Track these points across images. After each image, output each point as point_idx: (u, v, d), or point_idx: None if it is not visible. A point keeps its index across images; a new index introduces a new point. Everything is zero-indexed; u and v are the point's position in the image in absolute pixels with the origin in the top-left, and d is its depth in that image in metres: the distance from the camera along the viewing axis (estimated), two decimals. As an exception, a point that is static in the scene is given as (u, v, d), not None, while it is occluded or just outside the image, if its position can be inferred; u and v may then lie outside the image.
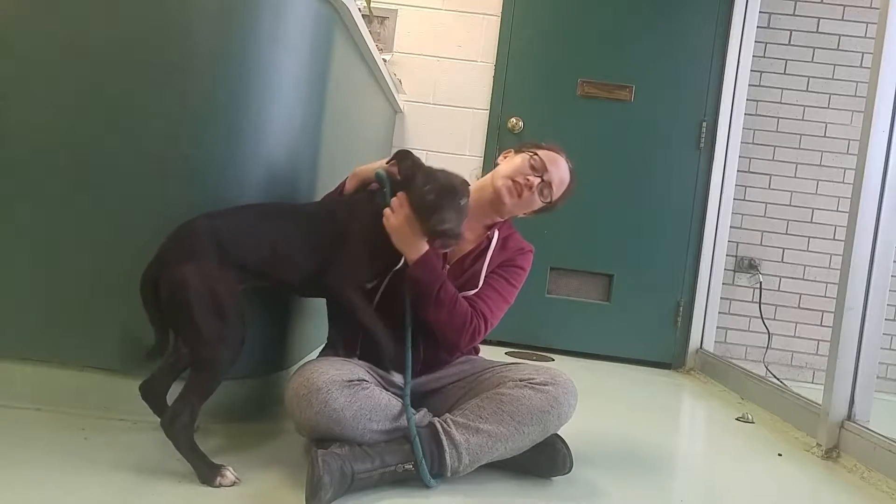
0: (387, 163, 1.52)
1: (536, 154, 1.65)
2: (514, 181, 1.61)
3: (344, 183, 1.61)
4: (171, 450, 1.36)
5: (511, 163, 1.66)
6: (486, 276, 1.58)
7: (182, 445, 1.24)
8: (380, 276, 1.51)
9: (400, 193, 1.46)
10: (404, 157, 1.48)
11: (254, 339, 1.64)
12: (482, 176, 1.74)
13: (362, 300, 1.44)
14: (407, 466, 1.28)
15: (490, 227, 1.66)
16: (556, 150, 1.70)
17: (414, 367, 1.49)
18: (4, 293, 1.54)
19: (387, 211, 1.44)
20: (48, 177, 1.54)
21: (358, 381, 1.33)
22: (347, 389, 1.30)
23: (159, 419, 1.45)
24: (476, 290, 1.55)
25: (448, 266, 1.60)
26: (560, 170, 1.66)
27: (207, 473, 1.23)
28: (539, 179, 1.62)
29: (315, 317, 2.01)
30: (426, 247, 1.45)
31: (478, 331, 1.51)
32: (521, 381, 1.42)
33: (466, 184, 1.48)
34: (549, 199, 1.65)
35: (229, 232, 1.35)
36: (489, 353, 1.73)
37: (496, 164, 1.72)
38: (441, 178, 1.43)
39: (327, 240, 1.43)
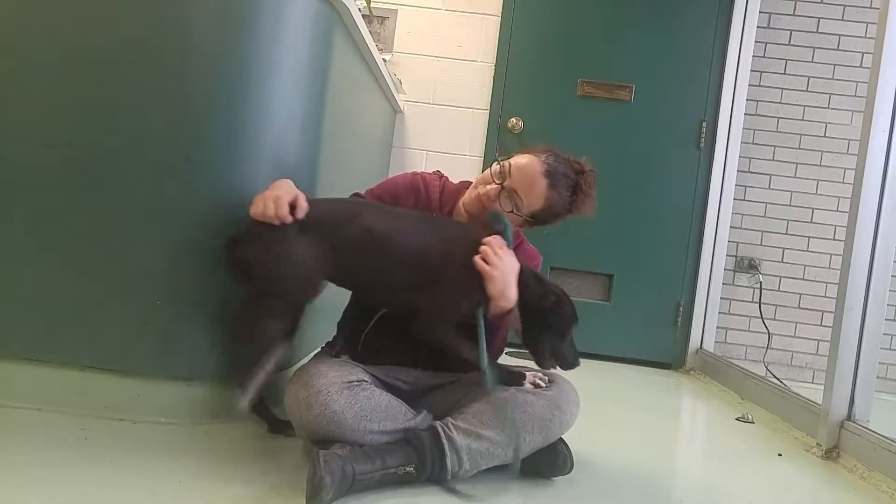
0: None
1: (505, 160, 1.54)
2: (476, 193, 1.55)
3: None
4: (172, 450, 1.36)
5: (482, 173, 1.59)
6: None
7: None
8: (471, 315, 1.42)
9: (495, 238, 1.42)
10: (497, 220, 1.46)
11: (254, 339, 1.64)
12: None
13: (454, 338, 1.38)
14: (408, 469, 1.27)
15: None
16: (535, 150, 1.55)
17: (415, 366, 1.51)
18: (4, 293, 1.54)
19: (486, 251, 1.37)
20: (48, 177, 1.54)
21: (357, 381, 1.33)
22: (347, 391, 1.30)
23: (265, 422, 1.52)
24: None
25: None
26: (526, 170, 1.51)
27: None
28: (499, 188, 1.51)
29: (314, 318, 2.00)
30: (515, 296, 1.40)
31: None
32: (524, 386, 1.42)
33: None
34: (520, 209, 1.51)
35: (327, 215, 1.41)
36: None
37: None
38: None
39: (426, 262, 1.40)
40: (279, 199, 1.35)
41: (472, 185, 1.60)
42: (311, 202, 1.40)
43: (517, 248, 1.59)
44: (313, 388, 1.29)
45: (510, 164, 1.53)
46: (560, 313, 1.44)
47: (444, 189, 1.65)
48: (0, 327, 1.53)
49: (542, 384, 1.44)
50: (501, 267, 1.38)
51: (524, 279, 1.42)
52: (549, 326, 1.44)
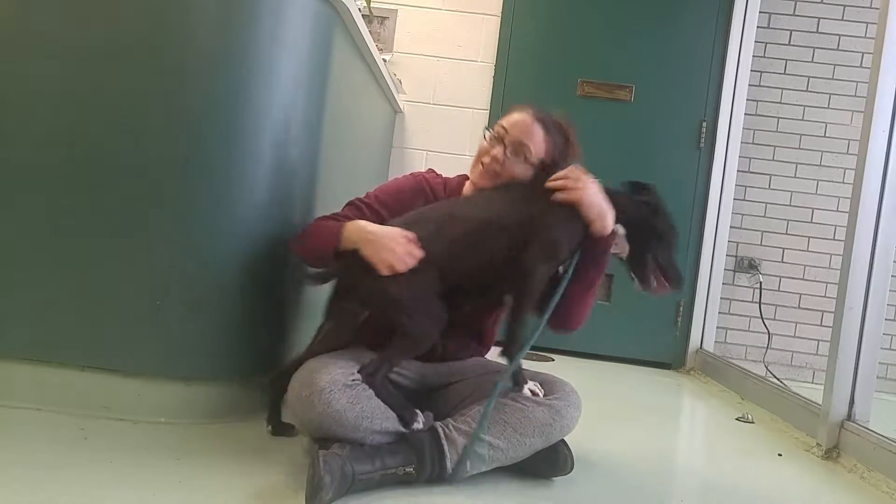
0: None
1: (495, 127, 1.57)
2: (482, 165, 1.56)
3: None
4: (172, 450, 1.36)
5: (478, 148, 1.61)
6: None
7: (381, 394, 1.32)
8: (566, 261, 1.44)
9: (572, 167, 1.44)
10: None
11: (253, 339, 1.65)
12: None
13: (536, 289, 1.39)
14: (408, 469, 1.28)
15: None
16: (517, 107, 1.59)
17: (434, 357, 1.52)
18: (5, 293, 1.54)
19: (564, 182, 1.39)
20: (48, 177, 1.54)
21: (360, 380, 1.33)
22: (349, 391, 1.29)
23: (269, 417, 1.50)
24: None
25: None
26: (520, 122, 1.54)
27: (405, 418, 1.32)
28: (502, 146, 1.53)
29: (314, 317, 2.00)
30: (612, 214, 1.42)
31: None
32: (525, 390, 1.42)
33: None
34: (530, 159, 1.52)
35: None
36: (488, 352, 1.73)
37: None
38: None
39: (518, 224, 1.41)
40: (409, 249, 1.35)
41: (473, 163, 1.60)
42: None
43: None
44: (316, 387, 1.29)
45: (502, 125, 1.55)
46: (663, 214, 1.44)
47: (447, 185, 1.66)
48: (0, 327, 1.53)
49: (540, 394, 1.43)
50: (588, 189, 1.38)
51: (611, 193, 1.42)
52: (654, 237, 1.44)
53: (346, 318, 1.46)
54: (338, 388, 1.29)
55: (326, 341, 1.46)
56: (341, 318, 1.46)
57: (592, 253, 1.45)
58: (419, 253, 1.35)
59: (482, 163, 1.56)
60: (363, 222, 1.44)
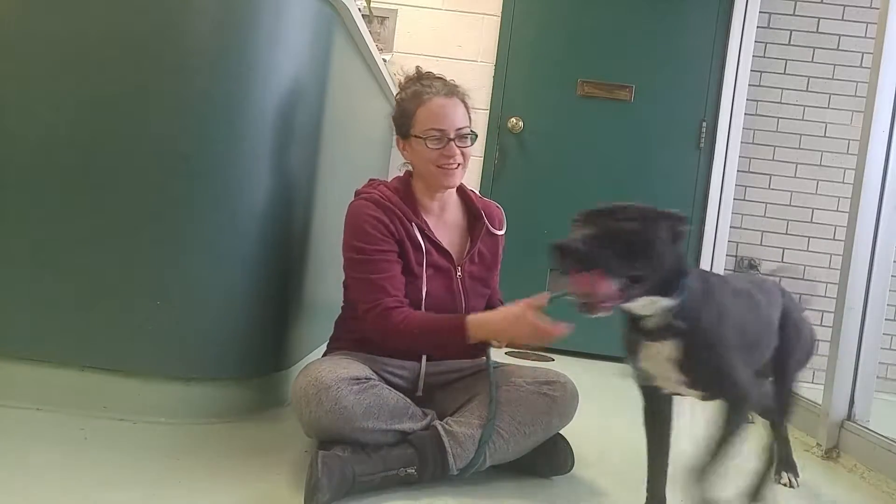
0: None
1: (431, 130, 1.50)
2: (440, 168, 1.51)
3: None
4: (172, 450, 1.36)
5: (420, 154, 1.52)
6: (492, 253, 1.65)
7: None
8: None
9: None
10: None
11: (253, 339, 1.65)
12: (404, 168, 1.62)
13: None
14: (409, 471, 1.28)
15: (464, 198, 1.67)
16: (428, 94, 1.58)
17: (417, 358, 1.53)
18: (4, 293, 1.53)
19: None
20: (48, 177, 1.54)
21: (365, 378, 1.34)
22: (357, 386, 1.30)
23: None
24: (494, 273, 1.66)
25: (473, 247, 1.60)
26: (451, 113, 1.53)
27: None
28: (451, 142, 1.50)
29: (315, 317, 2.01)
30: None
31: None
32: (522, 383, 1.43)
33: None
34: (474, 136, 1.57)
35: None
36: (489, 353, 1.73)
37: (405, 162, 1.60)
38: None
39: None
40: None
41: (426, 171, 1.53)
42: None
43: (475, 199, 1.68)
44: (323, 385, 1.29)
45: (438, 128, 1.53)
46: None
47: (395, 196, 1.52)
48: (0, 327, 1.53)
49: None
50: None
51: None
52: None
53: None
54: (345, 384, 1.29)
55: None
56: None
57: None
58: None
59: (440, 166, 1.51)
60: (478, 317, 1.41)
